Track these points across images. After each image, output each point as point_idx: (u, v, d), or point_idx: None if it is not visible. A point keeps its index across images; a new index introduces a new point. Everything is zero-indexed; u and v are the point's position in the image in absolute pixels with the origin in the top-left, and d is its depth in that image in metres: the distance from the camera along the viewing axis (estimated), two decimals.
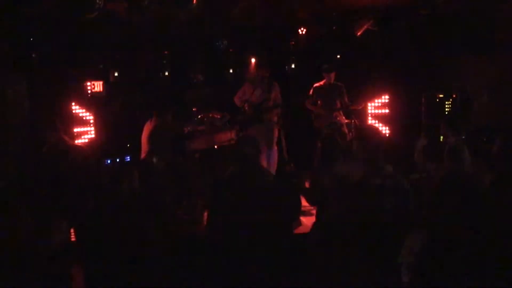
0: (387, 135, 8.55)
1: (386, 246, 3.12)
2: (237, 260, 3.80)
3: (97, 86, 7.99)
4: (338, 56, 9.40)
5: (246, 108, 7.74)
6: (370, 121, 8.82)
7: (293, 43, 9.49)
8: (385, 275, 3.03)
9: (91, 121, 7.87)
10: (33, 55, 7.10)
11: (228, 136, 7.54)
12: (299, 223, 6.49)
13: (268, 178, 4.25)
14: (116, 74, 9.69)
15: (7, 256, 2.90)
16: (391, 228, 3.26)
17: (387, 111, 8.64)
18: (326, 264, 3.59)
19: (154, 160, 6.43)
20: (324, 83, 8.10)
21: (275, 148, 7.80)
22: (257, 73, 7.77)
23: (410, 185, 3.69)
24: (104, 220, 3.78)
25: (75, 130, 7.72)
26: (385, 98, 8.63)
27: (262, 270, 3.73)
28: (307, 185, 5.65)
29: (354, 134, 7.32)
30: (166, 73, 10.91)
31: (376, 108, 8.81)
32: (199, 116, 7.81)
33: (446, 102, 8.20)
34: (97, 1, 5.61)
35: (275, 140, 7.80)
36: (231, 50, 10.34)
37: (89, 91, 8.09)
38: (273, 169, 7.55)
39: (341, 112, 8.16)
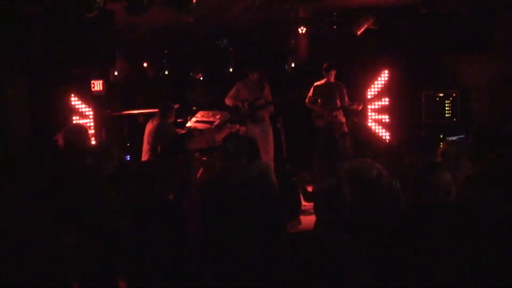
0: (387, 138, 8.54)
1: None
2: (230, 258, 3.80)
3: (97, 85, 7.95)
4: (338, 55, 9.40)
5: (246, 106, 7.78)
6: (370, 122, 8.79)
7: (293, 42, 9.51)
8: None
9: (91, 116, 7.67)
10: (33, 55, 7.07)
11: None
12: (299, 222, 6.51)
13: (252, 173, 4.21)
14: (116, 73, 9.69)
15: (20, 257, 2.90)
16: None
17: (386, 116, 8.64)
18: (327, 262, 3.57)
19: (155, 159, 6.45)
20: (325, 82, 8.11)
21: (271, 146, 7.84)
22: (250, 76, 7.90)
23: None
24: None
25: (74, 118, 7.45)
26: (384, 101, 8.61)
27: (256, 269, 3.73)
28: (308, 187, 5.68)
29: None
30: (166, 72, 10.92)
31: (376, 109, 8.79)
32: (199, 115, 7.82)
33: (446, 101, 8.20)
34: (97, 0, 5.60)
35: (270, 138, 7.87)
36: (231, 49, 10.36)
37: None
38: None
39: (341, 111, 8.16)
